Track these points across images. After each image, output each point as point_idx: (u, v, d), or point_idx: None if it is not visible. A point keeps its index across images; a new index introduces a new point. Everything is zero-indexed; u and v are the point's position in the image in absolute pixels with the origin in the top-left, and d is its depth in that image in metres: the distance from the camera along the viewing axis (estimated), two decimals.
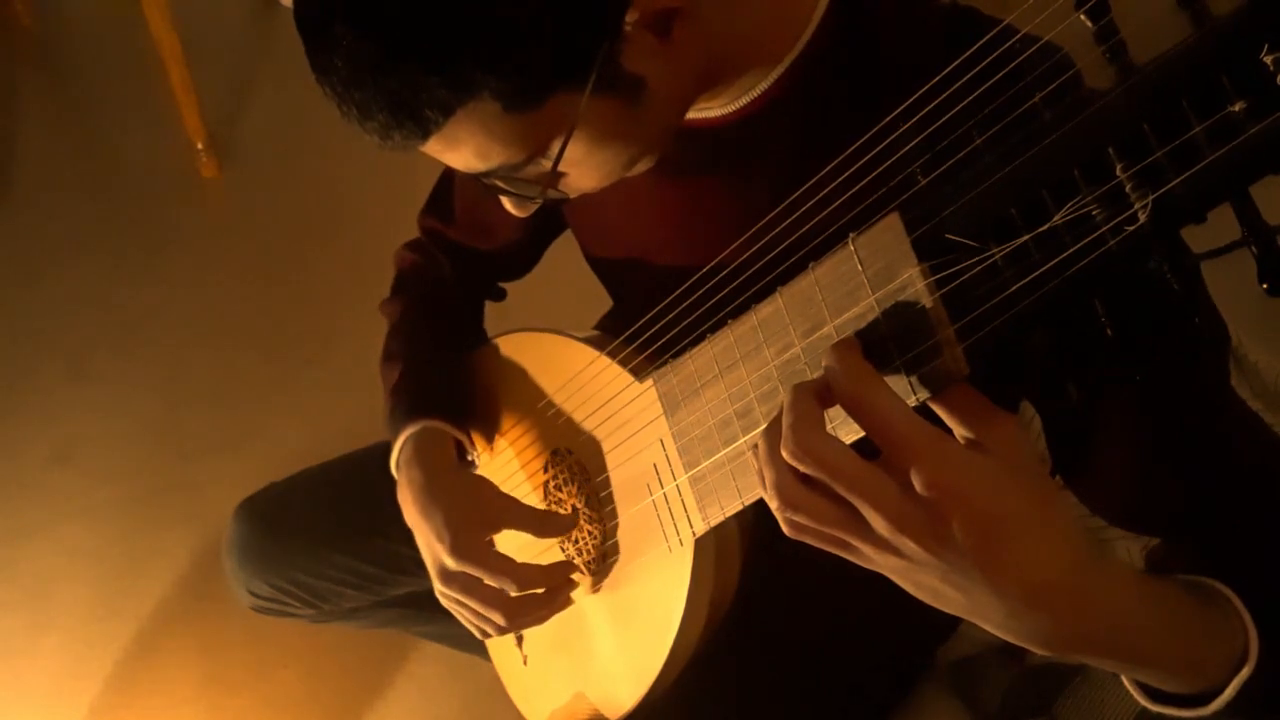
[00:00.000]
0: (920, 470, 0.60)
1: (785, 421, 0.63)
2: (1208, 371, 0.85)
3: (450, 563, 1.11)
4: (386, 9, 0.75)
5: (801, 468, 0.62)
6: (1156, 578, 0.72)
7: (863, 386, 0.63)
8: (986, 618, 0.64)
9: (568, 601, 1.14)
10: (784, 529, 0.66)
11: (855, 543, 0.64)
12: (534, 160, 0.85)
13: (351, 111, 0.79)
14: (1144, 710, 0.76)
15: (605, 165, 0.90)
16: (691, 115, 0.96)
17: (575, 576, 1.14)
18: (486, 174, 0.86)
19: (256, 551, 1.42)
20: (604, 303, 1.34)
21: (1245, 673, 0.71)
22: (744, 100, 0.94)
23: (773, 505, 0.65)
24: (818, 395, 0.65)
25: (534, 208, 0.93)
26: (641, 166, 0.94)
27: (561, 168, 0.86)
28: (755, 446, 0.67)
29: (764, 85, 0.93)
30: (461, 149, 0.83)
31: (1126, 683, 0.75)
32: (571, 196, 0.94)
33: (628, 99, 0.84)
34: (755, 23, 0.90)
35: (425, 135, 0.80)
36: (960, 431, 0.65)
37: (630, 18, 0.79)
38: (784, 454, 0.63)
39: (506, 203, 0.93)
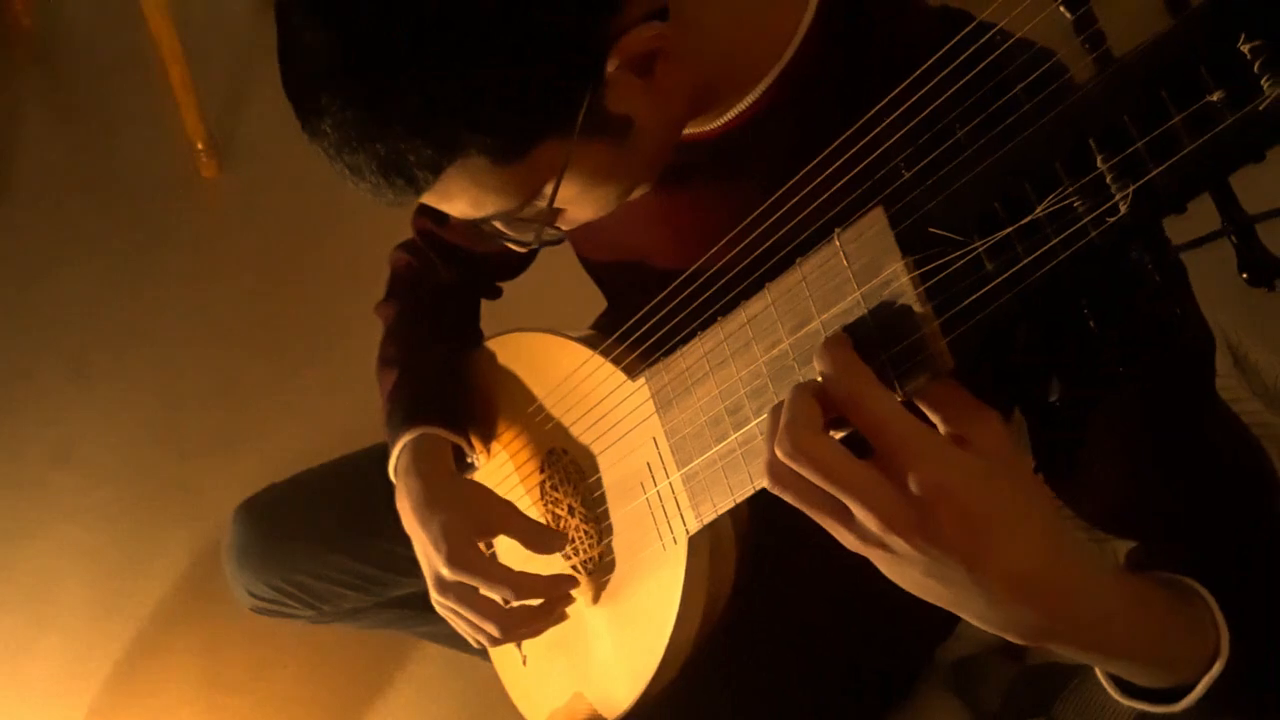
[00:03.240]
0: (915, 470, 0.60)
1: (782, 420, 0.64)
2: (1194, 375, 0.86)
3: (446, 572, 1.11)
4: (369, 77, 0.75)
5: (794, 466, 0.63)
6: (1134, 573, 0.72)
7: (858, 384, 0.63)
8: (968, 608, 0.65)
9: (563, 616, 1.14)
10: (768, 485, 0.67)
11: (843, 530, 0.64)
12: (529, 203, 0.86)
13: (344, 171, 0.80)
14: (1144, 712, 0.76)
15: (601, 200, 0.91)
16: (684, 131, 0.97)
17: (572, 580, 1.14)
18: (483, 220, 0.87)
19: (256, 553, 1.43)
20: (599, 302, 1.34)
21: (1216, 670, 0.72)
22: (732, 114, 0.94)
23: (765, 483, 0.66)
24: (817, 396, 0.65)
25: (534, 245, 0.94)
26: (638, 193, 0.95)
27: (558, 204, 0.87)
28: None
29: (753, 97, 0.93)
30: (455, 201, 0.84)
31: (1100, 675, 0.76)
32: (568, 230, 0.95)
33: (616, 138, 0.84)
34: (739, 43, 0.90)
35: (418, 193, 0.81)
36: (945, 427, 0.65)
37: (611, 65, 0.79)
38: (777, 452, 0.63)
39: (503, 241, 0.94)
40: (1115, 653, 0.71)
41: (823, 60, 0.91)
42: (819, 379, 0.66)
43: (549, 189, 0.84)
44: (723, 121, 0.94)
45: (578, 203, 0.89)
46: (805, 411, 0.64)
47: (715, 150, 0.96)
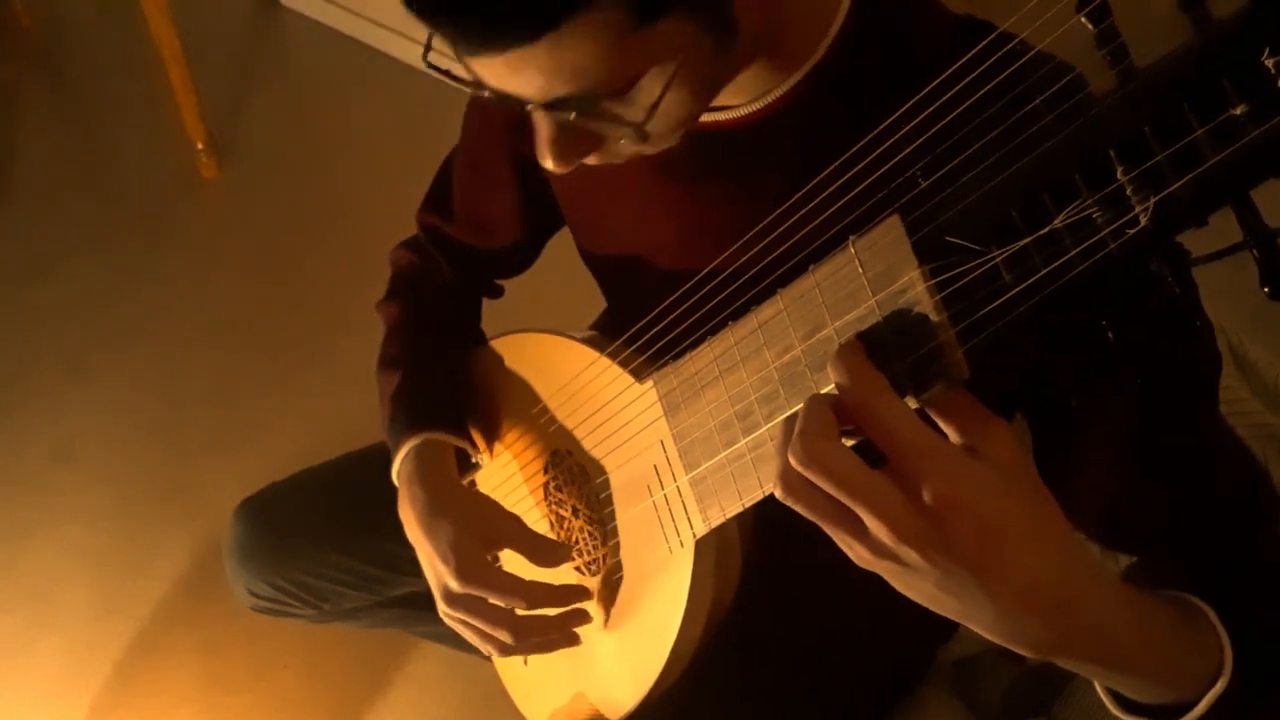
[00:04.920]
0: (929, 481, 0.60)
1: (797, 428, 0.64)
2: (1200, 388, 0.86)
3: (456, 585, 1.10)
4: None
5: (807, 475, 0.63)
6: (1139, 588, 0.72)
7: (871, 393, 0.63)
8: (978, 620, 0.65)
9: (575, 638, 1.13)
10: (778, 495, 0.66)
11: (852, 542, 0.64)
12: (618, 95, 0.80)
13: (446, 5, 0.73)
14: None
15: (666, 118, 0.84)
16: (703, 118, 0.96)
17: (574, 580, 1.14)
18: (562, 101, 0.79)
19: (257, 551, 1.42)
20: (600, 302, 1.34)
21: (1219, 687, 0.72)
22: (758, 105, 0.94)
23: (776, 493, 0.66)
24: (832, 405, 0.65)
25: (577, 162, 0.87)
26: (672, 139, 0.90)
27: (630, 115, 0.82)
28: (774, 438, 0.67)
29: (780, 91, 0.93)
30: (560, 60, 0.76)
31: (1099, 690, 0.76)
32: (623, 156, 0.89)
33: (720, 41, 0.81)
34: (790, 20, 0.89)
35: (532, 39, 0.73)
36: (957, 437, 0.65)
37: None
38: (791, 461, 0.63)
39: (547, 154, 0.85)
40: (1119, 666, 0.71)
41: (849, 63, 0.91)
42: (833, 388, 0.66)
43: (644, 83, 0.79)
44: (747, 111, 0.95)
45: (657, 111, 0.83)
46: (820, 420, 0.63)
47: (734, 146, 0.96)
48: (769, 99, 0.93)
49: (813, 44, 0.91)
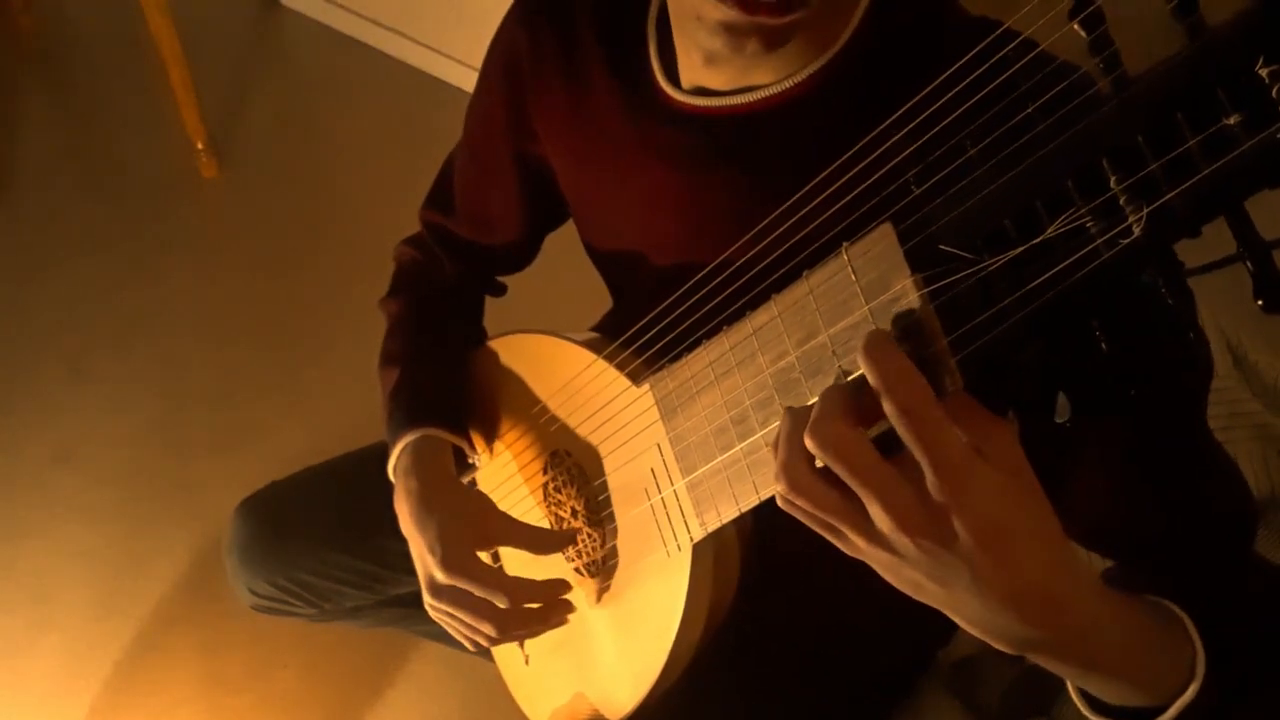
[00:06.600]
0: (940, 477, 0.60)
1: (816, 412, 0.64)
2: (1192, 397, 0.86)
3: (440, 576, 1.11)
4: None
5: (821, 455, 0.63)
6: (1121, 593, 0.73)
7: (901, 381, 0.61)
8: (961, 613, 0.66)
9: (562, 620, 1.14)
10: (778, 501, 0.67)
11: (848, 532, 0.64)
12: None
13: None
14: None
15: None
16: (710, 103, 0.97)
17: (574, 581, 1.14)
18: None
19: (257, 550, 1.42)
20: (603, 303, 1.34)
21: (1190, 692, 0.72)
22: (781, 87, 0.94)
23: (778, 485, 0.66)
24: (851, 395, 0.65)
25: None
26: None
27: None
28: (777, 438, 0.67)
29: (802, 75, 0.93)
30: None
31: (1071, 690, 0.77)
32: None
33: None
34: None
35: None
36: (961, 437, 0.65)
37: None
38: (806, 440, 0.63)
39: None
40: (1096, 668, 0.71)
41: (868, 56, 0.91)
42: (833, 385, 0.65)
43: None
44: (767, 95, 0.95)
45: None
46: (839, 405, 0.64)
47: (742, 134, 0.97)
48: (789, 83, 0.93)
49: (840, 31, 0.92)
